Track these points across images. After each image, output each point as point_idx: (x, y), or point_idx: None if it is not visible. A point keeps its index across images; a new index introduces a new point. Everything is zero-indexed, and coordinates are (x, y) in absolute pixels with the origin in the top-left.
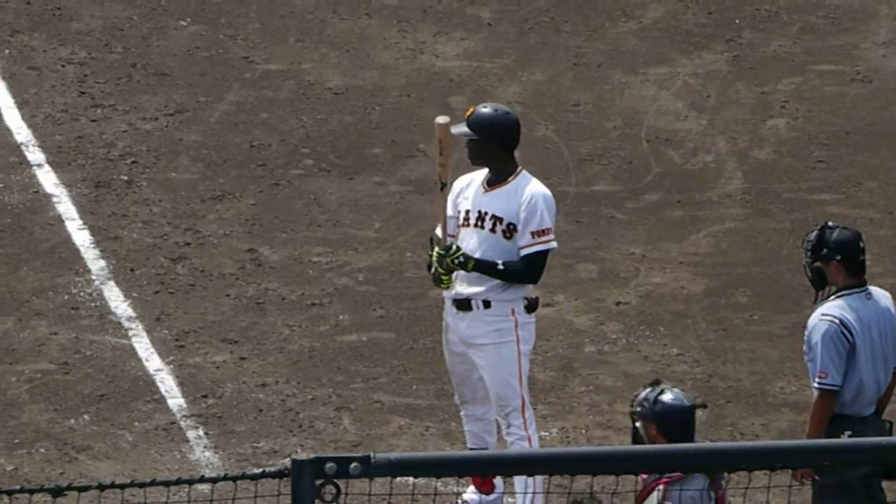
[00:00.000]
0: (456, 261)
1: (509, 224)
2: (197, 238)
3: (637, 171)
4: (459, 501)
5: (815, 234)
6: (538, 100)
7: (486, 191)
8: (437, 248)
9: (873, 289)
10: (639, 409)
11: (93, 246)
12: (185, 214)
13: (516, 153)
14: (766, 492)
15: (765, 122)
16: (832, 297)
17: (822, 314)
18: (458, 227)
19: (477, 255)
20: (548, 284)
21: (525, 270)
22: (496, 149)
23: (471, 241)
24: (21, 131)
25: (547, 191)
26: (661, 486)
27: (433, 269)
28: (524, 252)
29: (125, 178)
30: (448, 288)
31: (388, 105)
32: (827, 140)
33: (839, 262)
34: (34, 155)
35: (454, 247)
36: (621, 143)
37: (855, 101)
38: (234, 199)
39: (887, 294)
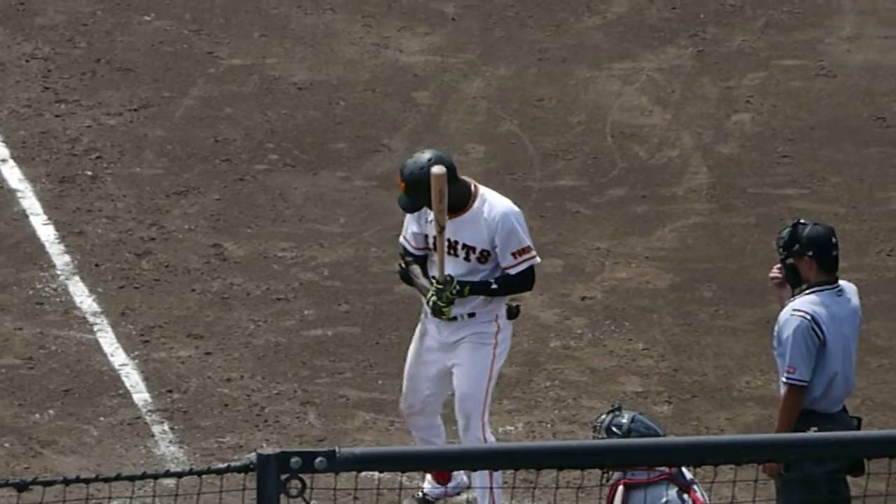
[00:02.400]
0: (454, 290)
1: (482, 251)
2: (162, 233)
3: (602, 166)
4: (419, 494)
5: (787, 230)
6: (503, 95)
7: (451, 217)
8: (435, 283)
9: (845, 284)
10: (604, 434)
11: (57, 241)
12: (150, 209)
13: (464, 177)
14: (731, 486)
15: (729, 117)
16: (804, 293)
17: (794, 310)
18: (430, 251)
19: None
20: None
21: (517, 284)
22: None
23: (446, 268)
24: None
25: (511, 206)
26: (621, 487)
27: (431, 302)
28: (510, 272)
29: (90, 173)
30: (448, 317)
31: (353, 100)
32: (791, 135)
33: (811, 258)
34: None
35: (450, 278)
36: (586, 138)
37: (819, 95)
38: (198, 195)
39: (855, 288)
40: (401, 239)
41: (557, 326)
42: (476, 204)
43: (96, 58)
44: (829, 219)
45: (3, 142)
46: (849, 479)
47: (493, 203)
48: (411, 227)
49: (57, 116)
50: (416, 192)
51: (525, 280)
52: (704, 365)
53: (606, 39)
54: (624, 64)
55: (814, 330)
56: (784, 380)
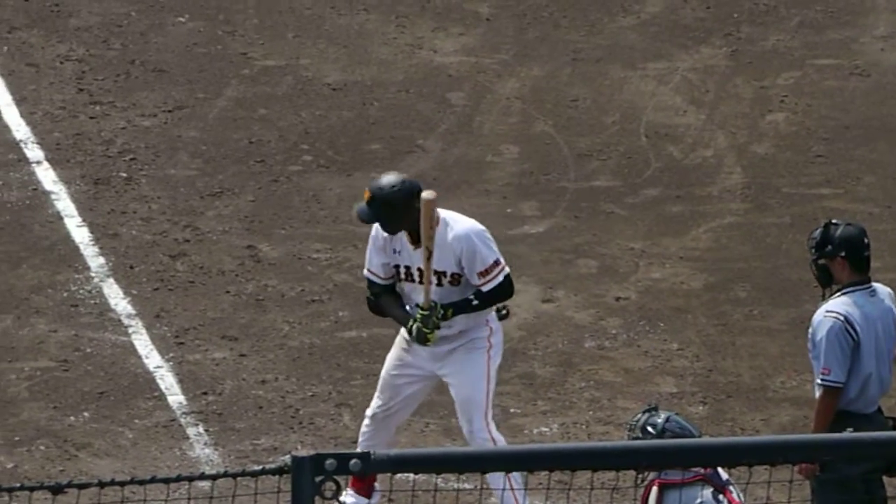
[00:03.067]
0: (440, 315)
1: (453, 274)
2: (196, 235)
3: (636, 167)
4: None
5: (819, 231)
6: (537, 95)
7: (417, 247)
8: (419, 310)
9: (877, 285)
10: (639, 434)
11: (92, 243)
12: (184, 211)
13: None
14: (766, 487)
15: (764, 117)
16: (837, 294)
17: (827, 311)
18: (400, 280)
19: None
20: (547, 280)
21: (495, 296)
22: (401, 218)
23: (421, 296)
24: (20, 128)
25: (472, 225)
26: (655, 487)
27: (416, 329)
28: (483, 289)
29: (124, 174)
30: (433, 343)
31: (387, 101)
32: (826, 134)
33: (844, 259)
34: (33, 152)
35: (435, 304)
36: (620, 139)
37: (854, 95)
38: (232, 196)
39: (890, 291)
40: (365, 272)
41: (592, 327)
42: (440, 228)
43: (130, 59)
44: (863, 218)
45: (38, 144)
46: (885, 479)
47: (453, 225)
48: (377, 259)
49: (91, 118)
50: (382, 211)
51: (502, 291)
52: (739, 365)
53: (641, 39)
54: (658, 64)
55: (847, 331)
56: (819, 381)
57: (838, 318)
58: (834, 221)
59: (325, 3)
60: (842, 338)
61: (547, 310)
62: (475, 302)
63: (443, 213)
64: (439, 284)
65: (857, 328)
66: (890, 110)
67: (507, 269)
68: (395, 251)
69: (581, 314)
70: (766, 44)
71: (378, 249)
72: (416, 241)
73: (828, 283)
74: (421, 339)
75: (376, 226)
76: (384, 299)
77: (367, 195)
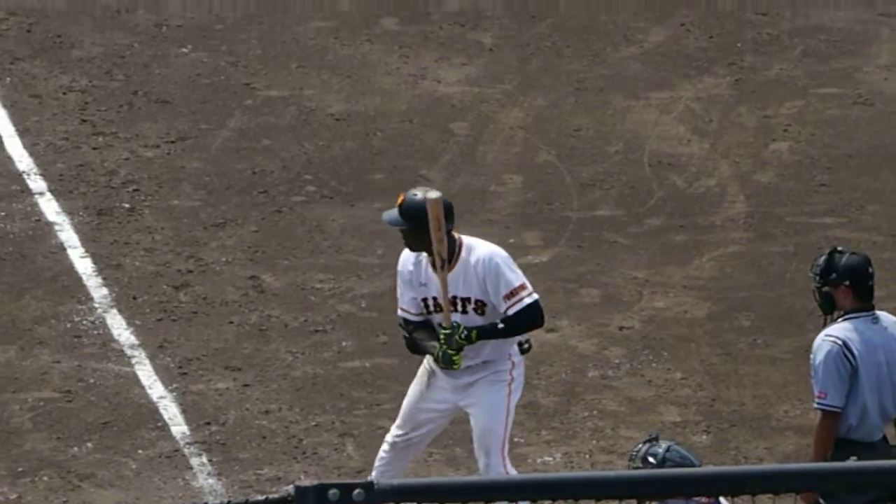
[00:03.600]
0: (463, 335)
1: (477, 301)
2: (199, 265)
3: (639, 196)
4: None
5: (823, 258)
6: (540, 125)
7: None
8: (442, 329)
9: (881, 314)
10: (640, 464)
11: (95, 274)
12: (188, 242)
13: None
14: None
15: (767, 146)
16: (839, 320)
17: (826, 335)
18: (429, 313)
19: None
20: (551, 309)
21: (522, 322)
22: (425, 231)
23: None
24: (23, 159)
25: (495, 249)
26: None
27: (441, 353)
28: (510, 312)
29: (127, 205)
30: (459, 367)
31: (390, 131)
32: (829, 163)
33: (848, 287)
34: (36, 183)
35: (457, 324)
36: (623, 168)
37: (857, 124)
38: (236, 226)
39: (895, 320)
40: (399, 312)
41: (595, 356)
42: (463, 254)
43: (133, 90)
44: (867, 247)
45: (41, 175)
46: None
47: (476, 250)
48: (407, 295)
49: (94, 149)
50: (408, 219)
51: (530, 317)
52: (743, 394)
53: (644, 69)
54: (661, 93)
55: (845, 355)
56: (816, 405)
57: (836, 343)
58: (839, 249)
59: (329, 34)
60: (839, 362)
61: (550, 339)
62: (501, 325)
63: (465, 238)
64: (464, 312)
65: (856, 353)
66: (893, 139)
67: (536, 296)
68: (421, 284)
69: (584, 343)
70: (769, 73)
71: (406, 284)
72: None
73: (830, 311)
74: (447, 361)
75: (401, 261)
76: (418, 334)
77: (400, 198)
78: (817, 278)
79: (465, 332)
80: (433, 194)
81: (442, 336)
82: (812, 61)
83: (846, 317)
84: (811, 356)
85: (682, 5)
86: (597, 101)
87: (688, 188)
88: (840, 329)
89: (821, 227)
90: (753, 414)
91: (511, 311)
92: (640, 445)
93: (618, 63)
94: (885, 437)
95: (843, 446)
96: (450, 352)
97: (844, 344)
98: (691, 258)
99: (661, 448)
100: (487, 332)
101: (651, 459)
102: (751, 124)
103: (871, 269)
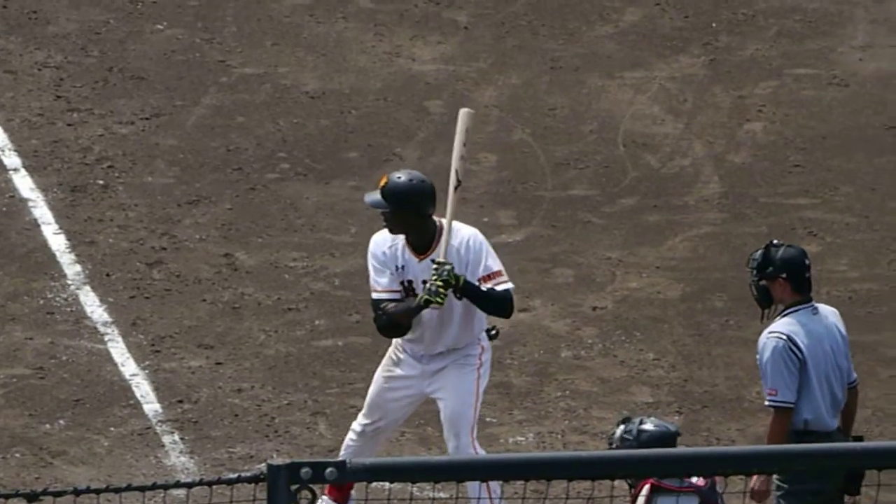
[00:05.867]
0: (454, 271)
1: None
2: (173, 243)
3: (614, 176)
4: None
5: (760, 252)
6: (515, 103)
7: (420, 259)
8: (434, 263)
9: (819, 305)
10: (619, 444)
11: (68, 250)
12: (161, 219)
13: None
14: (742, 497)
15: (741, 126)
16: (780, 316)
17: (770, 332)
18: (408, 297)
19: (435, 321)
20: (524, 289)
21: (499, 301)
22: (412, 218)
23: (426, 311)
24: None
25: (476, 231)
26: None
27: (431, 287)
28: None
29: (101, 182)
30: (441, 303)
31: (365, 109)
32: (803, 144)
33: (785, 280)
34: (10, 159)
35: (449, 263)
36: (598, 148)
37: (831, 105)
38: (210, 204)
39: (834, 310)
40: (374, 295)
41: (568, 337)
42: (443, 236)
43: (108, 66)
44: (840, 228)
45: (15, 151)
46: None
47: (459, 232)
48: (381, 280)
49: (69, 125)
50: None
51: (503, 300)
52: (715, 375)
53: (619, 48)
54: (636, 73)
55: (791, 350)
56: (767, 402)
57: (781, 338)
58: (775, 243)
59: (304, 12)
60: (786, 357)
61: (523, 319)
62: (484, 288)
63: (444, 222)
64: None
65: (802, 347)
66: (868, 120)
67: (511, 285)
68: (398, 268)
69: (557, 323)
70: (744, 53)
71: (380, 269)
72: (420, 251)
73: (768, 305)
74: (434, 293)
75: (374, 243)
76: (390, 307)
77: (383, 180)
78: (754, 272)
79: (456, 276)
80: (467, 109)
81: (435, 266)
82: (787, 42)
83: (787, 312)
84: (757, 355)
85: None
86: (572, 80)
87: (662, 168)
88: (783, 325)
89: (794, 207)
90: (725, 395)
91: (488, 286)
92: (614, 429)
93: (593, 42)
94: (839, 428)
95: (800, 439)
96: (438, 283)
97: (789, 339)
98: (665, 238)
99: (634, 423)
100: (470, 286)
101: (627, 436)
102: (725, 104)
103: (808, 262)
